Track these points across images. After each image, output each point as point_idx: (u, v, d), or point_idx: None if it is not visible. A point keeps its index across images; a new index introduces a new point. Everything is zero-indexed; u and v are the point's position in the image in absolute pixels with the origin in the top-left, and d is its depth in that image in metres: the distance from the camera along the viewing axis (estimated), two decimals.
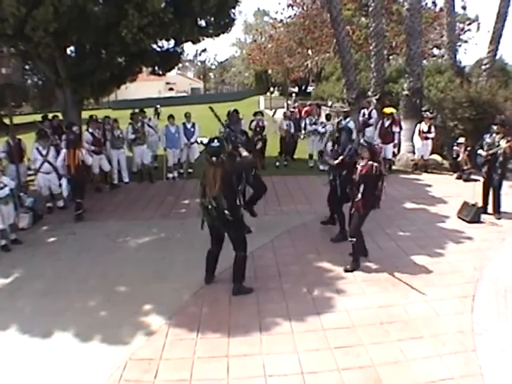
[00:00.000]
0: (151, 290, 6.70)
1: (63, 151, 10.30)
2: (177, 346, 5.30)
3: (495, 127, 9.58)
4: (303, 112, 20.83)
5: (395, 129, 14.02)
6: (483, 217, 9.38)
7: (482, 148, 9.70)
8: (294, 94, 45.10)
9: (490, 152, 9.42)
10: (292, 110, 22.58)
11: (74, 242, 8.81)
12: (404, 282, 6.61)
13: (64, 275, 7.28)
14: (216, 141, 6.15)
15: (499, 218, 9.42)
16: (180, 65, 54.61)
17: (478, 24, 35.85)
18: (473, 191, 9.71)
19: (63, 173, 10.28)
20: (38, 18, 9.77)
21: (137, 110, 14.49)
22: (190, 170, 14.45)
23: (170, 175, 14.05)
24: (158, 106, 37.73)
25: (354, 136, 14.24)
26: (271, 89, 47.65)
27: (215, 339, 5.40)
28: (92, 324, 5.80)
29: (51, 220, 10.22)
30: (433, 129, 13.56)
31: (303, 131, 15.70)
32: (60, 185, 10.56)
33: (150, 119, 14.44)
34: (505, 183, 9.76)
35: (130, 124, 13.60)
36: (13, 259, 8.01)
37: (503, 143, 9.22)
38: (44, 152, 10.67)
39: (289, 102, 37.38)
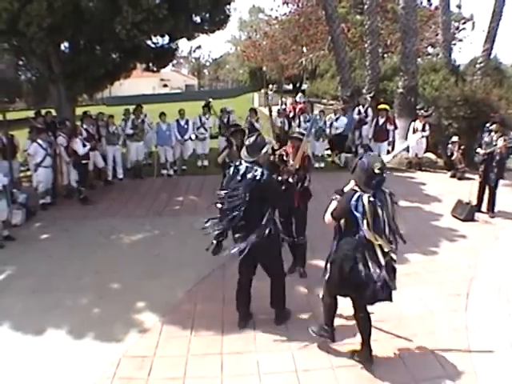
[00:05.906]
0: (144, 287, 6.68)
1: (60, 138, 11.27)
2: (170, 344, 5.28)
3: (494, 126, 9.52)
4: (297, 109, 20.79)
5: (389, 127, 14.04)
6: (477, 215, 9.41)
7: (480, 146, 9.70)
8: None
9: (488, 151, 9.41)
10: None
11: (67, 239, 8.76)
12: None
13: (57, 272, 7.25)
14: None
15: (493, 217, 9.45)
16: (174, 61, 54.45)
17: (473, 23, 35.81)
18: (470, 190, 9.71)
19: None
20: (31, 13, 9.72)
21: (130, 107, 14.39)
22: (184, 167, 14.40)
23: (165, 172, 13.98)
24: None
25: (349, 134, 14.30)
26: (270, 86, 47.24)
27: (209, 336, 5.38)
28: (85, 321, 5.77)
29: (44, 216, 10.16)
30: (427, 127, 13.55)
31: (297, 129, 15.65)
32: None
33: (145, 115, 14.32)
34: (500, 182, 9.75)
35: (123, 120, 13.55)
36: (5, 256, 7.96)
37: (500, 142, 9.22)
38: (45, 146, 10.70)
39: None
